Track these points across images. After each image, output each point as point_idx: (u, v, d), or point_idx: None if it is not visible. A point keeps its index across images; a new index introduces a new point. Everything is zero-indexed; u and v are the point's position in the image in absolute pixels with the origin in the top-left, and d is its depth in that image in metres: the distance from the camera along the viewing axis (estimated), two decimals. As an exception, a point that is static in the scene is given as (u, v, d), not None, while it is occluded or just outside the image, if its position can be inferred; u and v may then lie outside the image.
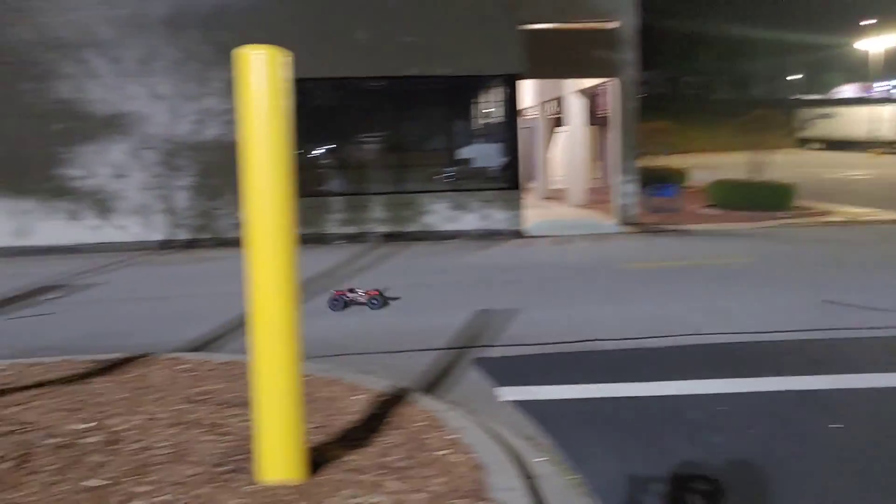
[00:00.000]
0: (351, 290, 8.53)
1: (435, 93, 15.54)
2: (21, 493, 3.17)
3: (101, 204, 15.11)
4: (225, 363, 5.90)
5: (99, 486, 3.30)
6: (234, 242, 14.54)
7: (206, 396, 4.89)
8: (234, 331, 7.33)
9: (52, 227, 15.01)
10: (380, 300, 8.41)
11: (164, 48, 14.72)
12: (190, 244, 14.78)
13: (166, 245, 14.79)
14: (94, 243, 14.83)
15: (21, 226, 15.10)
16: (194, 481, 3.44)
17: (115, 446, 3.75)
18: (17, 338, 7.42)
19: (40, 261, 13.71)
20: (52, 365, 5.89)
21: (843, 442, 4.35)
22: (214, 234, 14.92)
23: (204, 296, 9.69)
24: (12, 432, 3.72)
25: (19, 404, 4.56)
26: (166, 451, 3.73)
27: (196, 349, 6.67)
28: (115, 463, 3.55)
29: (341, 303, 8.37)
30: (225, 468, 3.59)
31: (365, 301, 8.40)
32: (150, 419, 4.26)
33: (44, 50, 14.89)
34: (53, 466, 3.43)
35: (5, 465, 3.35)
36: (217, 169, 14.72)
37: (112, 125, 14.94)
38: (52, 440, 3.72)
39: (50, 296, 9.75)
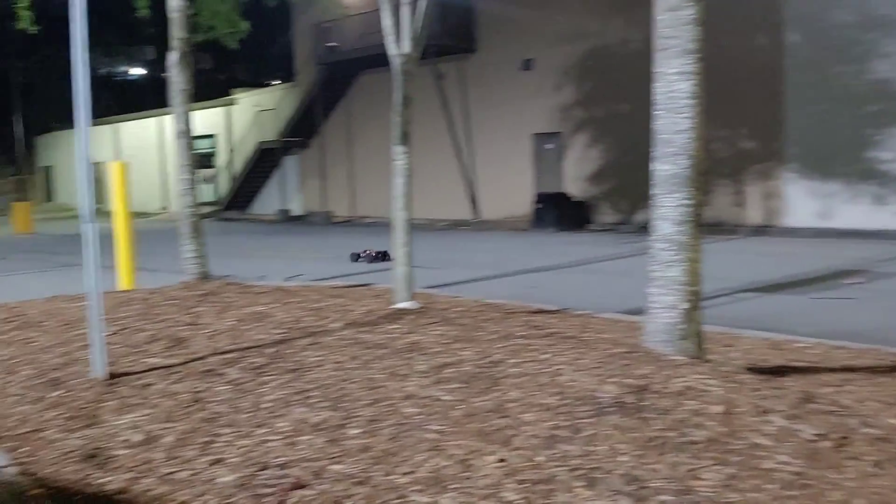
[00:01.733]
0: (364, 251, 13.56)
1: None
2: (839, 476, 3.16)
3: (911, 189, 14.28)
4: None
5: (921, 492, 3.08)
6: None
7: None
8: None
9: (855, 211, 14.87)
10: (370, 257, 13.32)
11: None
12: None
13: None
14: (898, 230, 14.14)
15: (824, 207, 15.37)
16: None
17: (936, 455, 3.44)
18: (818, 318, 7.56)
19: (839, 243, 13.72)
20: (857, 351, 5.79)
21: None
22: None
23: None
24: (830, 412, 3.75)
25: (831, 385, 4.59)
26: None
27: None
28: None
29: (355, 257, 13.51)
30: None
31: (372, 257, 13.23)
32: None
33: (863, 30, 14.68)
34: (871, 458, 3.33)
35: (825, 444, 3.40)
36: None
37: (930, 105, 13.90)
38: (868, 430, 3.62)
39: (850, 280, 9.65)
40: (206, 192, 32.34)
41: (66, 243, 21.16)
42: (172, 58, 8.39)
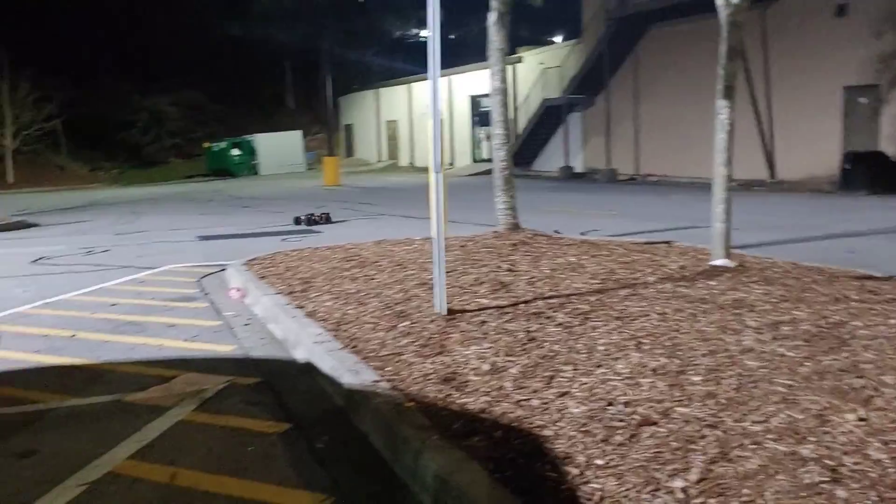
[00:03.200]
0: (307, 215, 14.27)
1: None
2: None
3: None
4: None
5: None
6: None
7: None
8: None
9: None
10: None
11: None
12: None
13: None
14: None
15: None
16: None
17: None
18: None
19: None
20: None
21: None
22: None
23: None
24: None
25: None
26: None
27: None
28: None
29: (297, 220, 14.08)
30: None
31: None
32: None
33: None
34: None
35: None
36: None
37: None
38: None
39: None
40: (489, 149, 33.55)
41: (370, 195, 23.18)
42: (491, 18, 8.80)
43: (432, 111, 5.34)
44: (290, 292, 6.72)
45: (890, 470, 2.76)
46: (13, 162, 40.41)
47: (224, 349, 5.63)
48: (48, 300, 7.65)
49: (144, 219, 17.26)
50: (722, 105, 6.78)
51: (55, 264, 10.30)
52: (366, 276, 7.17)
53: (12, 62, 38.90)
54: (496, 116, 8.94)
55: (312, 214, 14.40)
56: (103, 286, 8.37)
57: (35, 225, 16.67)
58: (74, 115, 41.96)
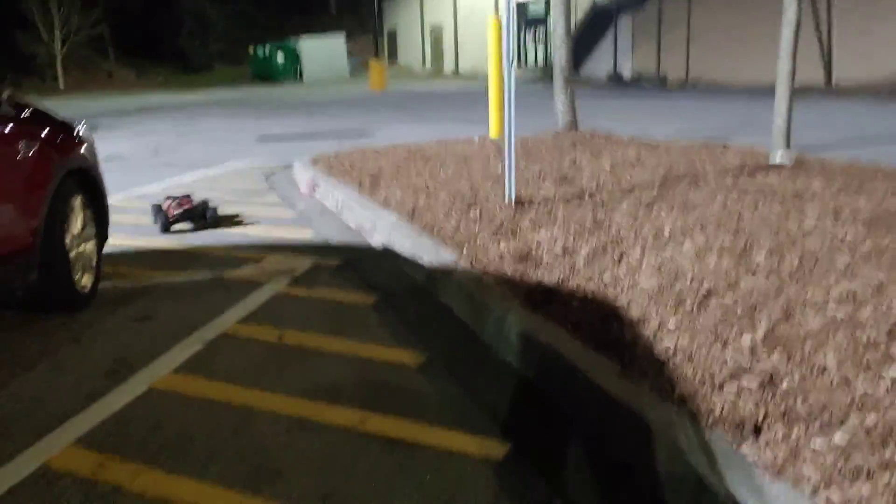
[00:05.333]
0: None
1: None
2: None
3: None
4: None
5: None
6: None
7: None
8: None
9: None
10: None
11: None
12: None
13: None
14: None
15: None
16: None
17: None
18: None
19: None
20: None
21: None
22: None
23: None
24: None
25: None
26: None
27: None
28: None
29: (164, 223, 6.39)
30: None
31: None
32: None
33: None
34: None
35: None
36: None
37: None
38: None
39: None
40: (536, 55, 33.22)
41: (418, 100, 23.19)
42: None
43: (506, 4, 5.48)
44: (360, 185, 7.03)
45: (943, 330, 3.02)
46: (63, 69, 40.97)
47: (304, 236, 6.01)
48: (130, 193, 8.10)
49: (203, 122, 17.63)
50: (789, 1, 6.78)
51: (128, 162, 10.75)
52: (431, 170, 7.44)
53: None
54: (557, 15, 8.98)
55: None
56: (180, 180, 8.78)
57: (94, 128, 17.15)
58: (121, 20, 42.15)
